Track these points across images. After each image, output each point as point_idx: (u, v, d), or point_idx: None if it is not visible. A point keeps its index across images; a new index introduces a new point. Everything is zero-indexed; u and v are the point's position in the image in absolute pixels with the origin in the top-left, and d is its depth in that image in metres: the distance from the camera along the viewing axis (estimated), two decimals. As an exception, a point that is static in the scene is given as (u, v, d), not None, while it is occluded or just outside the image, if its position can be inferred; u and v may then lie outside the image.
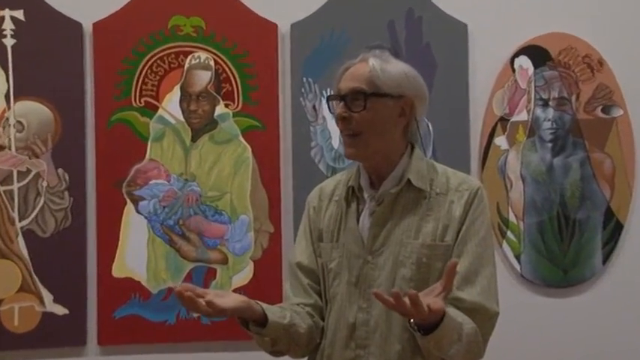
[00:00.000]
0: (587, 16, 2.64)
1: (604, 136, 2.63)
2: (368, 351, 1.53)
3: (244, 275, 2.54)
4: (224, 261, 2.53)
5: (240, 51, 2.54)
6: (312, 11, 2.57)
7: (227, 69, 2.55)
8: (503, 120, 2.62)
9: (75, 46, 2.49)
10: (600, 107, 2.63)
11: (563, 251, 2.62)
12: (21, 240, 2.46)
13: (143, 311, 2.50)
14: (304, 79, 2.56)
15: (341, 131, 1.56)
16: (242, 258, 2.54)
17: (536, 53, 2.61)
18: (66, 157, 2.48)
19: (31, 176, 2.47)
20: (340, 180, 1.66)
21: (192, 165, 2.53)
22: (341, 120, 1.54)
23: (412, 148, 1.60)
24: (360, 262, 1.55)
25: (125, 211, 2.50)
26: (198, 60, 2.54)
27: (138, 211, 2.51)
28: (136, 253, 2.50)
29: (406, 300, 1.29)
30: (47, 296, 2.46)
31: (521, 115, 2.62)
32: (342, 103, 1.54)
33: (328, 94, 2.56)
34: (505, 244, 2.62)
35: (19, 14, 2.48)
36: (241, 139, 2.55)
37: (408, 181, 1.55)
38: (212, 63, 2.54)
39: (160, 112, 2.53)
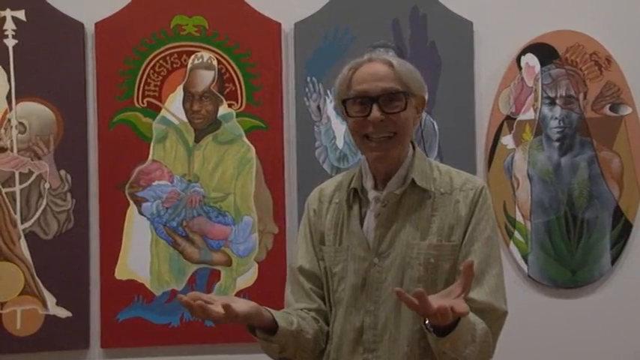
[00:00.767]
0: (595, 14, 2.61)
1: (612, 135, 2.60)
2: (376, 354, 1.52)
3: (249, 277, 2.52)
4: (228, 263, 2.51)
5: (243, 50, 2.53)
6: (316, 10, 2.56)
7: (230, 69, 2.53)
8: (509, 119, 2.60)
9: (77, 47, 2.48)
10: (608, 105, 2.60)
11: (571, 251, 2.59)
12: (23, 242, 2.44)
13: (146, 314, 2.48)
14: (308, 79, 2.54)
15: (370, 135, 1.50)
16: (246, 259, 2.52)
17: (543, 51, 2.59)
18: (68, 159, 2.47)
19: (33, 178, 2.46)
20: (341, 181, 1.64)
21: (195, 166, 2.51)
22: (377, 122, 1.48)
23: (414, 147, 1.59)
24: (366, 264, 1.53)
25: (128, 212, 2.49)
26: (201, 60, 2.52)
27: (141, 213, 2.49)
28: (139, 255, 2.49)
29: (429, 299, 1.28)
30: (50, 299, 2.45)
31: (528, 114, 2.60)
32: (375, 106, 1.48)
33: (332, 94, 2.54)
34: (512, 245, 2.59)
35: (21, 14, 2.47)
36: (245, 139, 2.53)
37: (412, 181, 1.53)
38: (215, 63, 2.52)
39: (163, 112, 2.51)
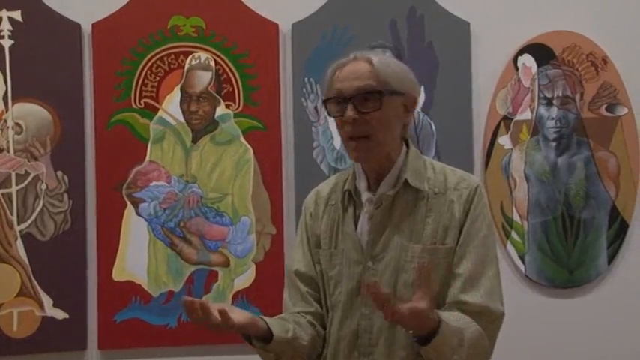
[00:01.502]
0: (591, 14, 2.62)
1: (608, 135, 2.61)
2: (372, 358, 1.50)
3: (246, 277, 2.52)
4: (226, 263, 2.51)
5: (240, 51, 2.52)
6: (313, 11, 2.56)
7: (227, 69, 2.52)
8: (506, 119, 2.60)
9: (74, 47, 2.47)
10: (605, 106, 2.61)
11: (567, 251, 2.60)
12: (20, 244, 2.44)
13: (144, 315, 2.48)
14: (305, 79, 2.54)
15: (347, 134, 1.48)
16: (244, 260, 2.52)
17: (540, 51, 2.59)
18: (65, 160, 2.46)
19: (29, 179, 2.45)
20: (336, 183, 1.61)
21: (192, 166, 2.51)
22: (351, 123, 1.45)
23: (407, 146, 1.55)
24: (360, 268, 1.52)
25: (125, 213, 2.48)
26: (198, 60, 2.52)
27: (138, 214, 2.49)
28: (137, 256, 2.48)
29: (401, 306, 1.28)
30: (47, 300, 2.44)
31: (525, 114, 2.60)
32: (349, 105, 1.45)
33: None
34: (509, 244, 2.60)
35: (17, 15, 2.46)
36: (242, 140, 2.53)
37: (406, 181, 1.50)
38: (212, 63, 2.52)
39: (160, 113, 2.51)
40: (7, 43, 2.45)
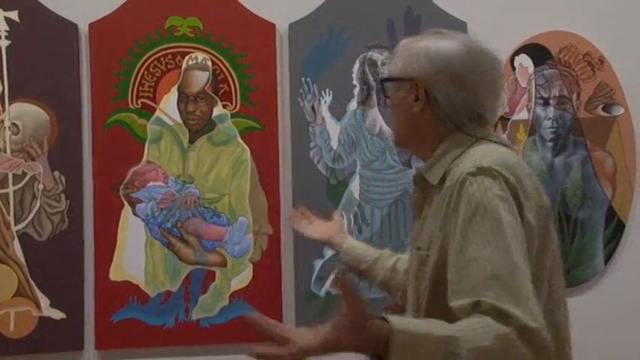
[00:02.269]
0: (588, 14, 2.62)
1: (605, 135, 2.62)
2: None
3: (243, 277, 2.51)
4: (223, 263, 2.51)
5: (237, 51, 2.52)
6: (310, 11, 2.56)
7: (225, 69, 2.52)
8: (503, 119, 2.61)
9: (70, 48, 2.47)
10: (601, 106, 2.62)
11: (564, 251, 2.60)
12: (17, 244, 2.43)
13: (141, 315, 2.47)
14: (303, 80, 2.54)
15: None
16: (241, 260, 2.52)
17: (537, 51, 2.60)
18: (62, 160, 2.45)
19: (26, 179, 2.45)
20: None
21: (190, 167, 2.51)
22: None
23: (456, 131, 1.38)
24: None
25: (122, 213, 2.48)
26: (195, 60, 2.52)
27: (135, 214, 2.48)
28: (134, 256, 2.48)
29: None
30: (44, 300, 2.43)
31: (522, 114, 2.61)
32: None
33: (327, 94, 2.55)
34: (506, 245, 2.60)
35: (14, 15, 2.45)
36: (240, 140, 2.52)
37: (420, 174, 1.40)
38: (209, 63, 2.52)
39: (158, 113, 2.50)
40: (3, 44, 2.45)
